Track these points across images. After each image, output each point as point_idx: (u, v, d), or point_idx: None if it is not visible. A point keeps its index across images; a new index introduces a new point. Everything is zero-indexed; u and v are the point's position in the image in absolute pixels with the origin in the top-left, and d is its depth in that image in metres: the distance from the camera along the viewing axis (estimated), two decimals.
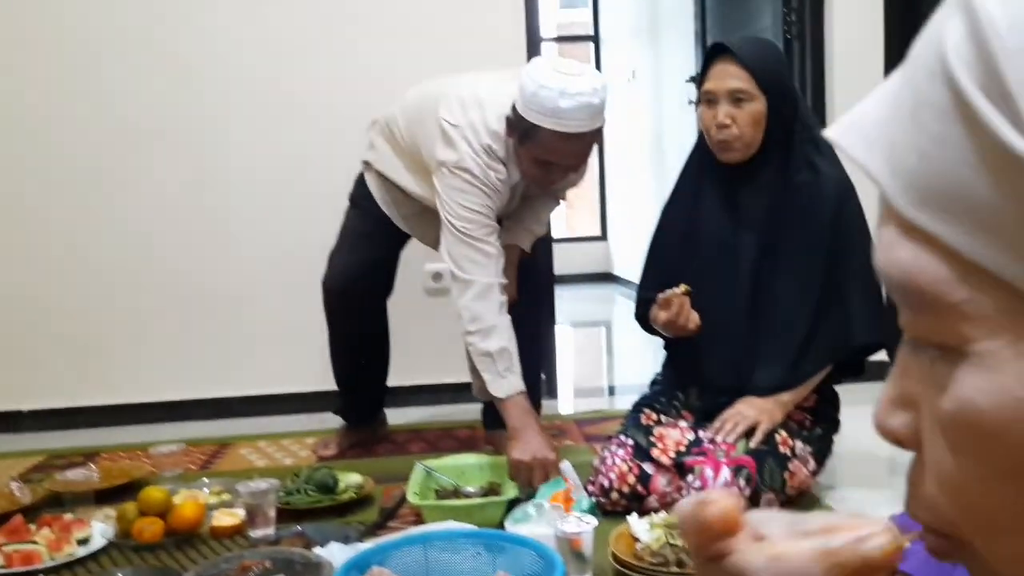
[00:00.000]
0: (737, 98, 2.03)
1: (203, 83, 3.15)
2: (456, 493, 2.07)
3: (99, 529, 1.98)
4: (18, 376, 3.23)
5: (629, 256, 6.28)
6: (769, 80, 2.03)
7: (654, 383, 2.33)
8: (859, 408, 2.85)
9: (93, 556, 1.89)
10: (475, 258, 2.14)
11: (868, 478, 2.32)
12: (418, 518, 2.01)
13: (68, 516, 2.02)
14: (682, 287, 2.01)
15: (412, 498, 1.97)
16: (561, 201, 2.54)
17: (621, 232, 7.06)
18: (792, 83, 2.23)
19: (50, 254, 3.20)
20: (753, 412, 2.05)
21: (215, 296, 3.24)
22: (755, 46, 2.12)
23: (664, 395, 2.21)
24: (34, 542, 1.89)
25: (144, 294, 3.22)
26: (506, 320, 2.15)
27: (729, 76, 2.03)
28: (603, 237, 7.51)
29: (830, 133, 0.38)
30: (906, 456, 0.39)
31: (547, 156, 2.09)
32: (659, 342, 2.31)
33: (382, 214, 2.48)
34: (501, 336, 2.13)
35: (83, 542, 1.92)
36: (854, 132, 0.37)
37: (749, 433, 2.02)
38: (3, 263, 3.18)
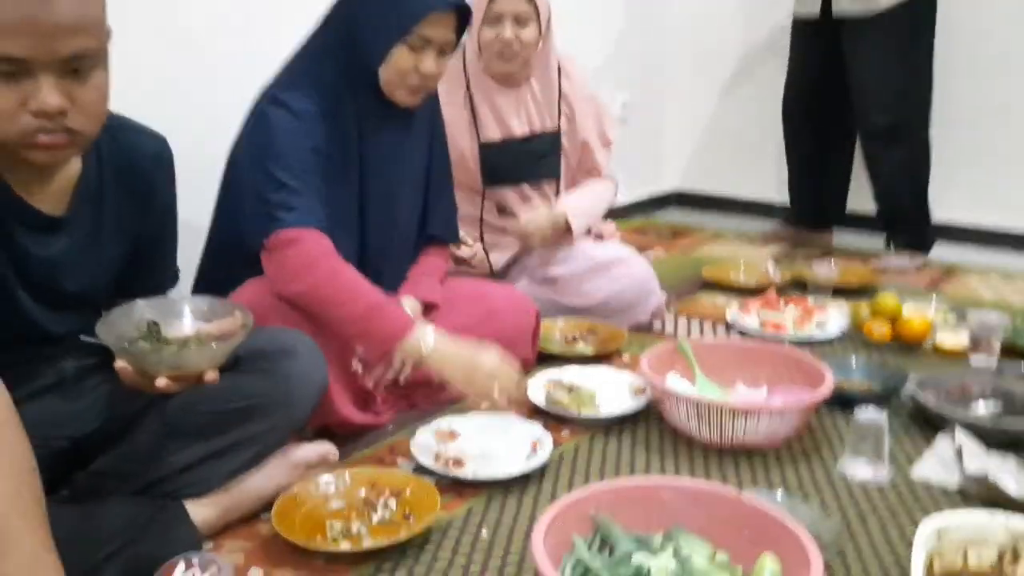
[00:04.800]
0: None
1: None
2: None
3: (834, 318, 2.28)
4: None
5: None
6: None
7: None
8: None
9: (828, 341, 2.20)
10: None
11: None
12: None
13: (810, 301, 2.36)
14: None
15: None
16: None
17: None
18: None
19: None
20: None
21: None
22: None
23: None
24: (782, 315, 2.28)
25: None
26: None
27: None
28: None
29: None
30: None
31: None
32: None
33: None
34: None
35: (821, 326, 2.24)
36: None
37: None
38: None
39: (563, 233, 2.22)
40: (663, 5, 3.75)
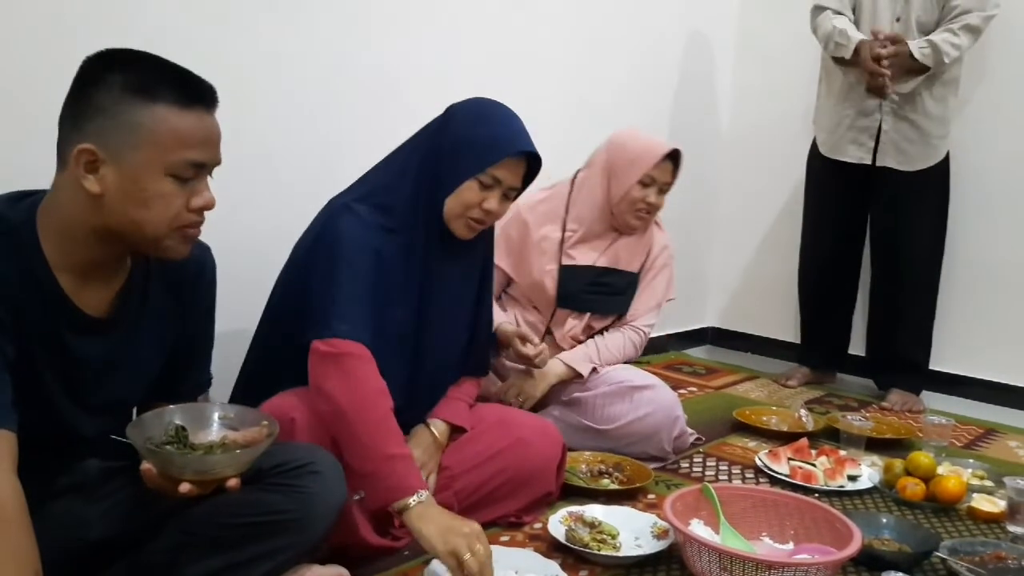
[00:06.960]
0: None
1: None
2: None
3: (867, 472, 2.23)
4: None
5: None
6: None
7: None
8: None
9: (859, 493, 2.15)
10: None
11: None
12: None
13: (842, 452, 2.32)
14: None
15: None
16: None
17: None
18: None
19: None
20: None
21: None
22: None
23: None
24: (813, 464, 2.23)
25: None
26: None
27: None
28: None
29: None
30: None
31: None
32: None
33: None
34: None
35: (852, 478, 2.19)
36: None
37: None
38: None
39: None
40: (710, 153, 3.85)
